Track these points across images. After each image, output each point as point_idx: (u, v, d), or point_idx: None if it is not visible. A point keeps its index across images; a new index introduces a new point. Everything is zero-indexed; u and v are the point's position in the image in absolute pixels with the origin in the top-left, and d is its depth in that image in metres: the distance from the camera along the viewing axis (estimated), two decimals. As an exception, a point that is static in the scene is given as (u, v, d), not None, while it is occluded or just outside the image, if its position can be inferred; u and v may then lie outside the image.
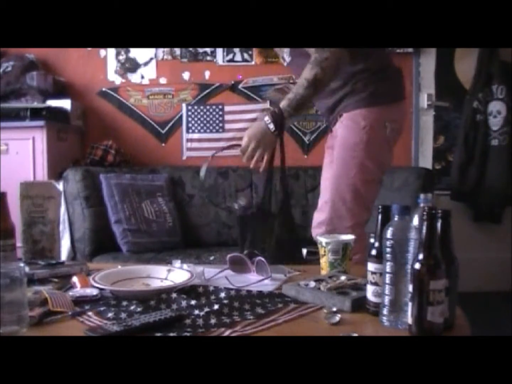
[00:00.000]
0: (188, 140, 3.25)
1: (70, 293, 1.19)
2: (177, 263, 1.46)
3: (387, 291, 1.00)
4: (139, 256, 2.47)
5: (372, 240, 1.10)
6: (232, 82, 3.24)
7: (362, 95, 1.62)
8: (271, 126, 1.52)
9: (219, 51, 3.24)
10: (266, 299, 1.19)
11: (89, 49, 3.21)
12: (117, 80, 3.27)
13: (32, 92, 2.92)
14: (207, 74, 3.26)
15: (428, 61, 3.23)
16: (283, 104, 1.54)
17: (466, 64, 3.23)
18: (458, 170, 3.22)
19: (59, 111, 2.90)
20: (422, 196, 1.09)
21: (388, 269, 0.99)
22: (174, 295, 1.16)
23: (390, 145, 1.72)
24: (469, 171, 3.20)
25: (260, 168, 1.56)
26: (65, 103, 2.95)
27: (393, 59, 3.34)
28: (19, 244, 1.46)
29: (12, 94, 2.91)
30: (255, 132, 1.54)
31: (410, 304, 0.94)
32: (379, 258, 1.03)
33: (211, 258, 2.32)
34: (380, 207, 1.11)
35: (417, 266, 0.92)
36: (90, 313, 1.09)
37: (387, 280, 1.00)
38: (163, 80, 3.27)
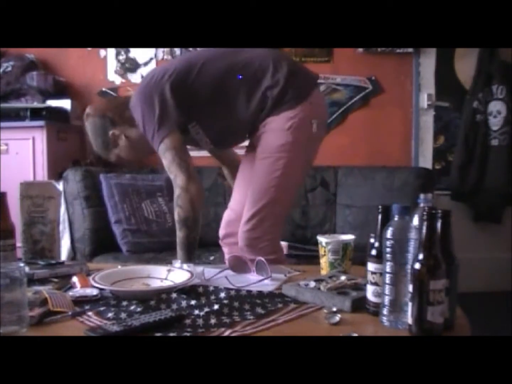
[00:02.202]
0: (188, 140, 3.25)
1: (70, 293, 1.19)
2: (177, 263, 1.46)
3: (387, 291, 1.00)
4: (139, 256, 2.47)
5: (372, 240, 1.10)
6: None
7: (282, 101, 1.60)
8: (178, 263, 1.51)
9: (219, 51, 3.24)
10: (266, 299, 1.19)
11: (89, 49, 3.20)
12: (117, 80, 3.27)
13: (32, 92, 2.92)
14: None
15: (428, 61, 3.23)
16: (178, 249, 1.62)
17: (466, 64, 3.23)
18: (458, 170, 3.22)
19: (59, 111, 2.90)
20: (422, 196, 1.09)
21: (388, 269, 0.99)
22: (174, 295, 1.16)
23: (316, 143, 1.72)
24: (469, 171, 3.20)
25: None
26: (65, 103, 2.95)
27: (393, 59, 3.35)
28: (19, 244, 1.46)
29: (12, 94, 2.91)
30: None
31: (410, 304, 0.94)
32: (379, 258, 1.03)
33: (211, 258, 2.32)
34: (380, 207, 1.11)
35: (417, 266, 0.92)
36: (90, 313, 1.09)
37: (387, 280, 1.00)
38: (163, 80, 3.27)
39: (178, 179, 1.58)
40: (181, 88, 1.61)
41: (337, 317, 1.03)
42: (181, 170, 1.58)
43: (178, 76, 1.62)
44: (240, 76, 1.63)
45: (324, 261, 1.39)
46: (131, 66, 3.27)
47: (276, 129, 1.61)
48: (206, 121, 1.68)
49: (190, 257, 1.61)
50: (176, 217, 1.60)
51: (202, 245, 2.79)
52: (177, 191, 1.59)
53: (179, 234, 1.60)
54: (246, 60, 1.64)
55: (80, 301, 1.15)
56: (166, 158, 1.60)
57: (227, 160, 1.99)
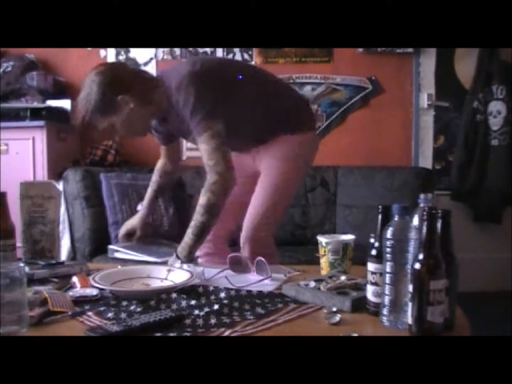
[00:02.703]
0: (188, 140, 3.24)
1: (70, 293, 1.19)
2: (177, 263, 1.46)
3: (387, 291, 1.00)
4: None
5: (372, 240, 1.10)
6: (232, 82, 3.24)
7: (297, 124, 1.79)
8: (178, 263, 1.54)
9: (219, 51, 3.24)
10: (266, 299, 1.19)
11: (89, 49, 3.20)
12: (117, 80, 3.27)
13: (32, 92, 2.92)
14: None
15: (428, 61, 3.23)
16: (188, 232, 1.58)
17: (466, 64, 3.23)
18: (458, 170, 3.22)
19: (59, 111, 2.89)
20: (422, 196, 1.09)
21: (388, 269, 0.99)
22: (174, 295, 1.16)
23: (313, 158, 1.94)
24: (469, 171, 3.20)
25: None
26: (65, 103, 2.94)
27: (393, 59, 3.36)
28: (19, 244, 1.46)
29: (12, 94, 2.91)
30: None
31: (410, 304, 0.94)
32: (379, 258, 1.03)
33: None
34: (380, 207, 1.11)
35: (417, 266, 0.92)
36: (90, 313, 1.09)
37: (387, 280, 1.00)
38: (163, 80, 3.26)
39: (218, 167, 1.59)
40: (229, 86, 1.68)
41: (337, 317, 1.03)
42: (223, 158, 1.59)
43: (230, 73, 1.71)
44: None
45: (324, 261, 1.39)
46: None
47: (289, 141, 1.76)
48: (230, 123, 1.71)
49: (199, 244, 1.60)
50: (203, 201, 1.57)
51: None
52: (214, 177, 1.58)
53: (199, 219, 1.57)
54: (277, 80, 1.92)
55: (80, 301, 1.15)
56: (210, 144, 1.59)
57: (171, 155, 2.06)
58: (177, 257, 1.53)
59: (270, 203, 1.76)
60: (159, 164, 2.08)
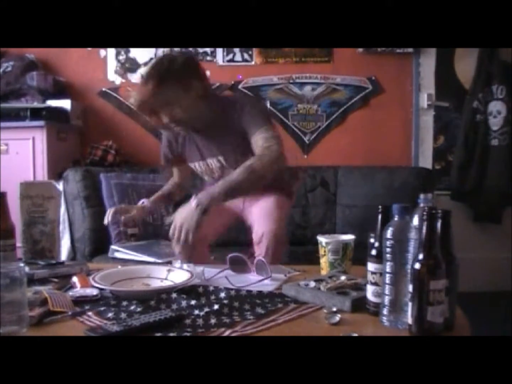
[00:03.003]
0: (188, 140, 3.24)
1: (70, 293, 1.19)
2: (177, 263, 1.46)
3: (387, 291, 1.00)
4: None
5: (372, 240, 1.10)
6: (232, 82, 3.24)
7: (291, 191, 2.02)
8: (197, 209, 1.54)
9: (219, 51, 3.24)
10: (266, 299, 1.19)
11: (89, 49, 3.20)
12: (117, 80, 3.27)
13: (32, 92, 2.92)
14: (207, 74, 3.26)
15: (428, 61, 3.23)
16: (218, 183, 1.60)
17: (466, 64, 3.23)
18: (458, 170, 3.22)
19: (59, 111, 2.90)
20: (422, 196, 1.09)
21: (388, 269, 0.99)
22: (174, 295, 1.16)
23: None
24: (469, 171, 3.20)
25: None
26: (65, 103, 2.95)
27: (393, 59, 3.36)
28: (19, 244, 1.46)
29: (12, 94, 2.91)
30: (181, 216, 1.55)
31: (410, 304, 0.94)
32: (379, 258, 1.03)
33: (211, 258, 2.32)
34: (380, 207, 1.11)
35: (417, 266, 0.92)
36: (90, 313, 1.09)
37: (387, 280, 1.00)
38: (163, 80, 3.26)
39: (273, 147, 1.66)
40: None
41: (337, 317, 1.03)
42: (279, 144, 1.68)
43: None
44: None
45: (324, 261, 1.39)
46: (131, 66, 3.27)
47: (283, 201, 1.89)
48: None
49: (221, 198, 1.59)
50: (247, 163, 1.61)
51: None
52: (266, 151, 1.64)
53: (234, 175, 1.59)
54: None
55: (80, 301, 1.15)
56: (269, 133, 1.69)
57: (183, 178, 2.14)
58: (196, 202, 1.54)
59: (281, 208, 1.83)
60: (174, 178, 2.15)
